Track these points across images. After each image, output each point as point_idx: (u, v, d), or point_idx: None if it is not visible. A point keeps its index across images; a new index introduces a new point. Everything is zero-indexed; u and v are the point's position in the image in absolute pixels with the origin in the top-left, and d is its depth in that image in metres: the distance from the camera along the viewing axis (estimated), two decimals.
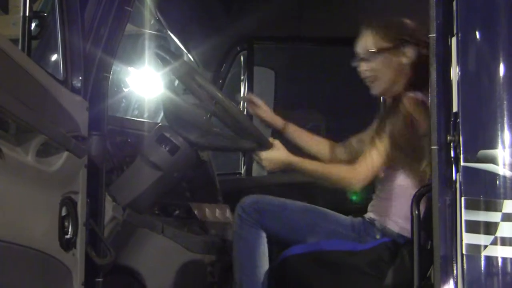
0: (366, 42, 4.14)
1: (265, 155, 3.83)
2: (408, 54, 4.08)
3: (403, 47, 4.09)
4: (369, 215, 3.96)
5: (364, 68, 4.12)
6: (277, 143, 3.92)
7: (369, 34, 4.16)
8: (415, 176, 3.91)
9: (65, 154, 3.15)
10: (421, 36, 4.05)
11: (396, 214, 3.88)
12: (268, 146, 4.01)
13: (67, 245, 3.19)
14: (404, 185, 3.91)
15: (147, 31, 4.31)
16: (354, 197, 4.85)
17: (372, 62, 4.10)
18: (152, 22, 4.38)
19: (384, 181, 4.02)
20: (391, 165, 3.99)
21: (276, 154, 3.85)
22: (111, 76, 3.70)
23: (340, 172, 3.89)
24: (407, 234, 3.78)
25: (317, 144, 4.50)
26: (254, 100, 4.33)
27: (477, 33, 3.05)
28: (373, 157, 3.91)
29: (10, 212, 2.80)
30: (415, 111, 3.88)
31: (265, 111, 4.38)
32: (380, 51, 4.10)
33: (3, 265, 2.77)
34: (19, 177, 2.84)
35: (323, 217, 3.99)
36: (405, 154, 3.90)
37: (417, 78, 4.04)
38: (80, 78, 3.44)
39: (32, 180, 2.96)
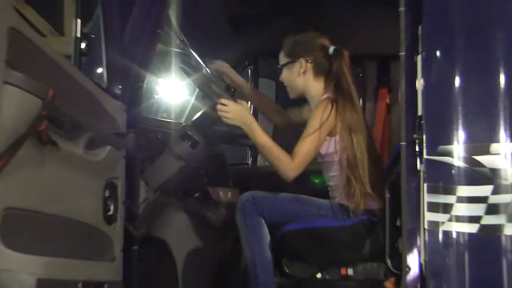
0: (279, 58, 4.15)
1: (232, 106, 3.73)
2: (302, 68, 4.03)
3: (297, 61, 4.05)
4: (337, 200, 3.91)
5: (280, 78, 4.14)
6: (245, 104, 3.85)
7: (281, 51, 4.14)
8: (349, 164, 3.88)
9: (108, 147, 3.16)
10: (322, 51, 4.06)
11: (358, 199, 3.82)
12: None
13: (110, 220, 3.21)
14: (352, 176, 3.86)
15: (174, 49, 4.30)
16: (316, 180, 4.77)
17: (282, 74, 4.11)
18: (177, 42, 4.38)
19: (329, 174, 3.99)
20: (325, 159, 3.96)
21: (240, 109, 3.74)
22: (144, 85, 3.71)
23: (280, 159, 3.79)
24: (376, 212, 3.79)
25: (269, 109, 4.54)
26: (223, 67, 4.28)
27: (437, 52, 3.08)
28: (304, 150, 3.84)
29: (65, 194, 2.84)
30: (325, 113, 3.84)
31: (236, 76, 4.35)
32: (283, 65, 4.10)
33: (62, 234, 2.81)
34: (71, 165, 2.87)
35: (307, 202, 3.93)
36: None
37: (326, 83, 4.03)
38: (120, 86, 3.43)
39: (81, 168, 2.98)
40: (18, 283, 2.43)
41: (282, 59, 4.13)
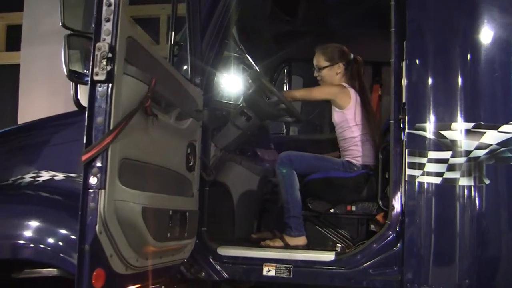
0: (316, 60, 4.02)
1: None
2: (340, 69, 3.95)
3: (336, 64, 3.96)
4: (347, 158, 3.83)
5: (316, 74, 4.02)
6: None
7: (317, 55, 4.03)
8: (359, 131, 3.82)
9: (190, 119, 3.15)
10: (348, 56, 3.98)
11: (362, 157, 3.78)
12: (299, 118, 3.97)
13: (190, 169, 3.19)
14: (357, 140, 3.82)
15: (234, 54, 4.29)
16: None
17: (319, 72, 4.00)
18: (237, 49, 4.36)
19: (341, 139, 3.91)
20: (339, 126, 3.88)
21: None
22: (215, 78, 3.68)
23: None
24: (373, 168, 3.74)
25: None
26: None
27: (416, 60, 3.07)
28: (299, 93, 4.00)
29: (162, 150, 2.86)
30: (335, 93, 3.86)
31: None
32: (325, 67, 3.98)
33: (159, 177, 2.82)
34: (166, 131, 2.86)
35: (325, 160, 3.87)
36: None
37: (348, 76, 3.98)
38: (199, 78, 3.42)
39: (173, 133, 2.97)
40: (130, 209, 2.44)
41: (323, 62, 3.98)
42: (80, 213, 2.22)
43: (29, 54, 7.72)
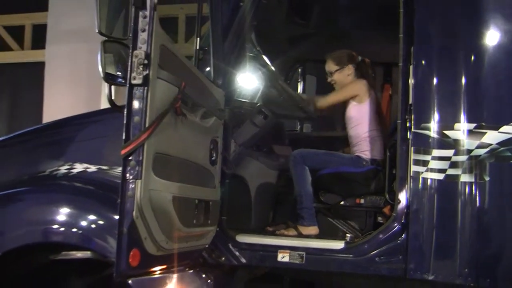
0: (327, 66, 4.16)
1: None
2: (350, 70, 4.09)
3: (346, 66, 4.10)
4: (356, 153, 3.92)
5: (329, 80, 4.15)
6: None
7: (328, 61, 4.17)
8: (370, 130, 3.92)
9: (214, 117, 3.29)
10: (356, 59, 4.10)
11: (371, 152, 3.87)
12: (312, 116, 4.06)
13: (213, 162, 3.31)
14: (368, 136, 3.92)
15: (252, 55, 4.37)
16: None
17: (332, 77, 4.13)
18: (254, 50, 4.43)
19: (351, 134, 4.01)
20: (356, 120, 3.95)
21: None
22: (235, 79, 3.79)
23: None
24: (381, 163, 3.80)
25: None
26: None
27: (423, 63, 3.15)
28: (332, 98, 4.04)
29: (189, 146, 3.02)
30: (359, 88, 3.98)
31: None
32: (336, 70, 4.13)
33: (186, 169, 2.97)
34: (193, 128, 3.02)
35: (335, 155, 3.96)
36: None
37: (359, 76, 4.08)
38: (221, 79, 3.52)
39: (198, 130, 3.12)
40: (162, 198, 2.63)
41: (333, 67, 4.13)
42: (119, 200, 2.43)
43: (53, 52, 7.86)
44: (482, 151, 2.99)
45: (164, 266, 2.88)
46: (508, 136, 2.98)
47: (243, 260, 3.39)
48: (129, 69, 2.48)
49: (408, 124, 3.15)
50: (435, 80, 3.13)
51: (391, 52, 3.50)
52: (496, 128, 2.99)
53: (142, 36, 2.49)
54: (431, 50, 3.18)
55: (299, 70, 5.50)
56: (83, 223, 3.10)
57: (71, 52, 7.68)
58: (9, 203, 3.30)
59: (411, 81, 3.15)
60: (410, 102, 3.15)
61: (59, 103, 7.48)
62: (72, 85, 7.68)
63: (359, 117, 3.95)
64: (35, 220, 3.17)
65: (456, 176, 3.02)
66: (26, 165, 3.55)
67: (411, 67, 3.16)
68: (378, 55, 4.34)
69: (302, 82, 5.52)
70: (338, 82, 4.13)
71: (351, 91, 4.01)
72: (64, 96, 7.60)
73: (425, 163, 3.07)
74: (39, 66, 8.04)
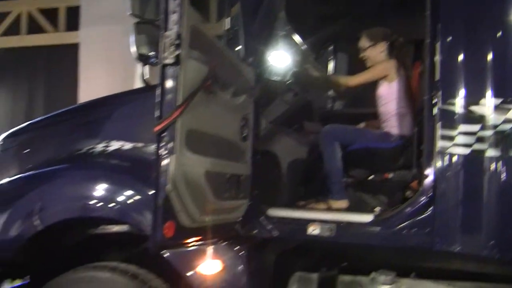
0: (361, 42, 4.18)
1: None
2: (382, 48, 4.13)
3: (379, 43, 4.14)
4: (386, 129, 3.97)
5: (361, 55, 4.17)
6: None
7: (362, 37, 4.19)
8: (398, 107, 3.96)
9: (244, 95, 3.33)
10: (390, 37, 4.13)
11: (400, 128, 3.90)
12: (341, 94, 4.17)
13: (244, 139, 3.37)
14: (397, 113, 3.95)
15: (283, 33, 4.36)
16: None
17: (364, 52, 4.16)
18: (285, 28, 4.37)
19: (382, 111, 4.04)
20: (387, 98, 3.99)
21: None
22: (265, 57, 3.83)
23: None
24: (410, 139, 3.83)
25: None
26: None
27: (449, 40, 3.15)
28: (362, 77, 4.06)
29: (220, 122, 3.10)
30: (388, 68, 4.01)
31: None
32: (370, 46, 4.15)
33: (219, 145, 3.05)
34: (224, 106, 3.09)
35: (365, 131, 4.04)
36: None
37: (391, 54, 4.11)
38: (251, 58, 3.57)
39: (229, 107, 3.17)
40: (196, 172, 2.73)
41: (367, 43, 4.15)
42: (155, 174, 2.53)
43: (87, 34, 7.98)
44: (508, 126, 2.99)
45: (198, 238, 2.97)
46: None
47: (275, 233, 3.43)
48: (161, 49, 2.56)
49: (435, 100, 3.16)
50: (461, 57, 3.12)
51: (421, 29, 3.47)
52: None
53: (173, 17, 2.56)
54: (457, 27, 3.16)
55: (331, 48, 5.51)
56: (120, 198, 3.20)
57: (105, 34, 7.77)
58: (49, 180, 3.42)
59: (437, 58, 3.15)
60: (437, 78, 3.16)
61: (94, 84, 7.59)
62: (107, 66, 7.78)
63: (389, 96, 3.99)
64: (74, 196, 3.28)
65: (482, 151, 3.02)
66: (64, 143, 3.64)
67: (438, 44, 3.16)
68: (409, 32, 4.34)
69: (333, 61, 5.53)
70: (370, 58, 4.16)
71: (380, 71, 4.05)
72: (99, 77, 7.71)
73: (451, 138, 3.08)
74: (74, 48, 8.17)
